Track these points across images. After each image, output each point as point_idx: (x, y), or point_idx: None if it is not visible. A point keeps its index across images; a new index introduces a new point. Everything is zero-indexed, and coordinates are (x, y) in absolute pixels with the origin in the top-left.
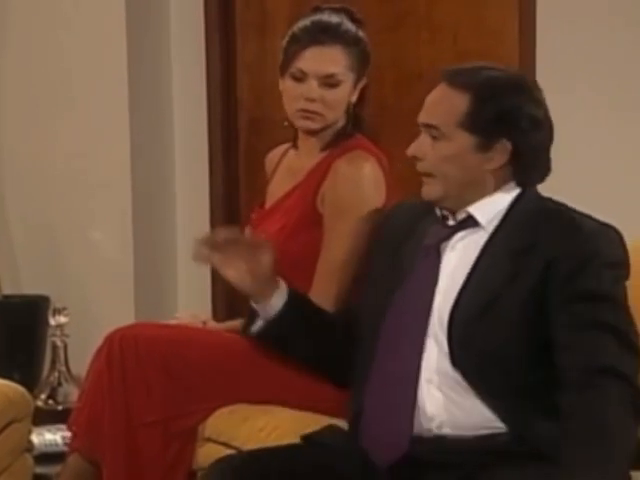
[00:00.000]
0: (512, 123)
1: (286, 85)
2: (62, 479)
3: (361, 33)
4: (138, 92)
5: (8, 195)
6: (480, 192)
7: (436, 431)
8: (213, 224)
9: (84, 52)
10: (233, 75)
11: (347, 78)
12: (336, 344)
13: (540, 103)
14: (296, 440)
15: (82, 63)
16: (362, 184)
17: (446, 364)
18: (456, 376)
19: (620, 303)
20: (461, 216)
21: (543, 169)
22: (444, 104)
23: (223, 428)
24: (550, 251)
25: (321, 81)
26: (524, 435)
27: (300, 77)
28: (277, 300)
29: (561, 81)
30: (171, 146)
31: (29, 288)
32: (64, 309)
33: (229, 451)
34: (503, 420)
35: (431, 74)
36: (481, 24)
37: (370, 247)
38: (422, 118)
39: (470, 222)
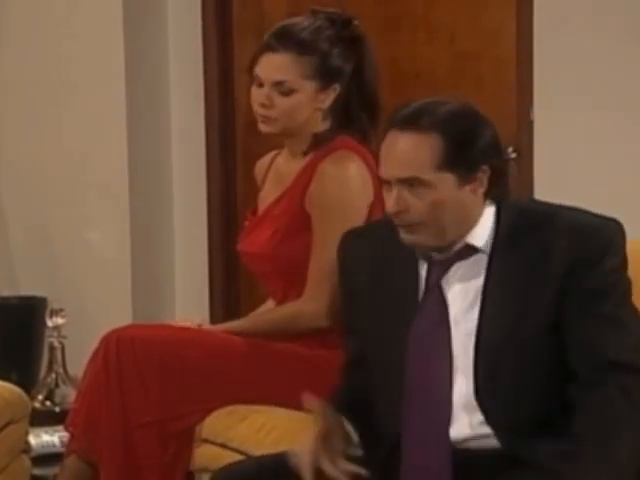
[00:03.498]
0: (487, 148)
1: (252, 88)
2: None
3: (325, 44)
4: (136, 94)
5: (6, 196)
6: (473, 221)
7: (456, 446)
8: (210, 225)
9: (82, 54)
10: (230, 77)
11: (301, 87)
12: None
13: (489, 122)
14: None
15: (80, 65)
16: (348, 184)
17: (471, 394)
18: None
19: (626, 295)
20: (458, 247)
21: (508, 179)
22: (415, 152)
23: (220, 429)
24: (560, 260)
25: (273, 88)
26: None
27: (258, 81)
28: None
29: (558, 82)
30: (168, 148)
31: (26, 289)
32: (61, 310)
33: (226, 452)
34: (508, 448)
35: (428, 74)
36: (478, 24)
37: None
38: (392, 173)
39: (469, 251)
